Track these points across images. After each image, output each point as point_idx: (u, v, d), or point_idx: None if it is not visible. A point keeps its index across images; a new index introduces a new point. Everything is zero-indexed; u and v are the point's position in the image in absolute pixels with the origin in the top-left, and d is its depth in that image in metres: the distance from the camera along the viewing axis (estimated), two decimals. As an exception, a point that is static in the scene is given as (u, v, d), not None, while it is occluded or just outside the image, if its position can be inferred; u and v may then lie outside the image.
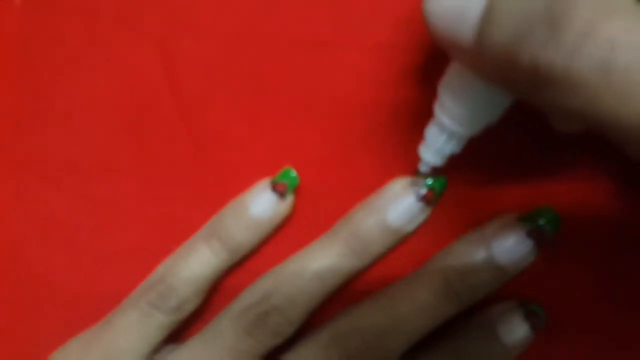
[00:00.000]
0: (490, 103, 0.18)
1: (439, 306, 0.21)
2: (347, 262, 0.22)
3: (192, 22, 0.24)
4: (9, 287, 0.25)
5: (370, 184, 0.23)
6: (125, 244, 0.24)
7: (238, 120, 0.24)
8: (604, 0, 0.12)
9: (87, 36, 0.24)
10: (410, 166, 0.22)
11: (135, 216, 0.24)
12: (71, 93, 0.24)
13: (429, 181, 0.22)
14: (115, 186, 0.24)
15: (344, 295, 0.23)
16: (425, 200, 0.22)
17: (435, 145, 0.20)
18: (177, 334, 0.23)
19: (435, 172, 0.21)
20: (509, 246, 0.21)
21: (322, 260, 0.22)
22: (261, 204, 0.22)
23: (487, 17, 0.14)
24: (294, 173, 0.23)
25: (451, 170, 0.21)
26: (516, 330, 0.21)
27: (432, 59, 0.22)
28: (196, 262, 0.22)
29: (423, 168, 0.21)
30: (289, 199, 0.23)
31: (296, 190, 0.23)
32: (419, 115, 0.22)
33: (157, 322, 0.22)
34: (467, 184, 0.23)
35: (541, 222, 0.21)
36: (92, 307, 0.24)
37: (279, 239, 0.24)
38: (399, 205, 0.22)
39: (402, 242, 0.23)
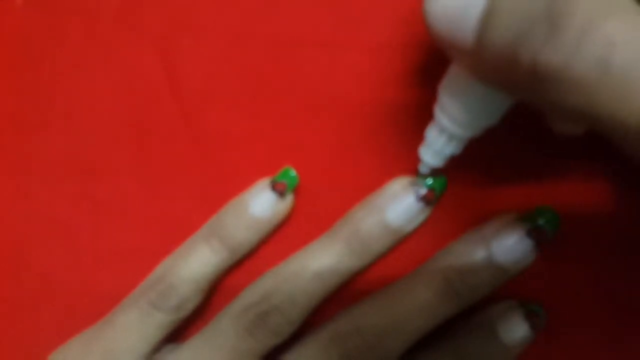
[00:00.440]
0: (490, 105, 0.18)
1: (439, 306, 0.21)
2: (347, 262, 0.22)
3: (192, 22, 0.24)
4: (9, 287, 0.25)
5: (370, 184, 0.23)
6: (125, 244, 0.24)
7: (238, 120, 0.24)
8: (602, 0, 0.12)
9: (87, 36, 0.24)
10: (410, 166, 0.22)
11: (135, 216, 0.24)
12: (71, 93, 0.24)
13: (429, 181, 0.22)
14: (115, 186, 0.24)
15: (344, 295, 0.23)
16: (425, 200, 0.22)
17: (435, 147, 0.20)
18: (177, 334, 0.23)
19: (435, 172, 0.21)
20: (509, 246, 0.21)
21: (322, 259, 0.22)
22: (261, 204, 0.22)
23: (488, 18, 0.14)
24: (293, 172, 0.23)
25: (451, 170, 0.21)
26: (516, 330, 0.21)
27: (432, 59, 0.22)
28: (196, 261, 0.22)
29: (423, 169, 0.21)
30: (289, 199, 0.23)
31: (296, 190, 0.23)
32: (419, 115, 0.22)
33: (157, 322, 0.22)
34: (467, 184, 0.23)
35: (541, 221, 0.21)
36: (92, 307, 0.24)
37: (279, 239, 0.24)
38: (398, 205, 0.22)
39: (402, 242, 0.23)
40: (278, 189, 0.22)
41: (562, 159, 0.22)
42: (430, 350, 0.22)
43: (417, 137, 0.21)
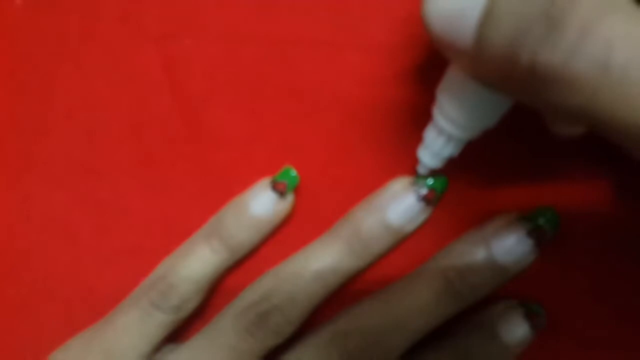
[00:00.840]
0: (489, 107, 0.18)
1: (440, 305, 0.21)
2: (348, 262, 0.22)
3: (193, 22, 0.24)
4: (9, 287, 0.25)
5: (370, 184, 0.23)
6: (125, 244, 0.24)
7: (238, 120, 0.24)
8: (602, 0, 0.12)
9: (87, 36, 0.24)
10: (410, 166, 0.22)
11: (135, 216, 0.24)
12: (71, 93, 0.24)
13: (430, 181, 0.22)
14: (115, 186, 0.24)
15: (344, 295, 0.23)
16: (426, 200, 0.22)
17: (434, 148, 0.20)
18: (177, 334, 0.23)
19: (434, 173, 0.21)
20: (509, 245, 0.21)
21: (322, 259, 0.22)
22: (261, 203, 0.22)
23: (486, 19, 0.14)
24: (294, 172, 0.23)
25: (451, 170, 0.21)
26: (516, 329, 0.21)
27: (432, 59, 0.22)
28: (197, 261, 0.22)
29: (421, 170, 0.21)
30: (289, 198, 0.23)
31: (296, 190, 0.23)
32: (419, 115, 0.22)
33: (158, 321, 0.22)
34: (468, 184, 0.23)
35: (541, 221, 0.21)
36: (92, 307, 0.24)
37: (279, 239, 0.24)
38: (399, 205, 0.22)
39: (402, 242, 0.23)
40: (278, 189, 0.22)
41: (563, 159, 0.22)
42: (430, 350, 0.22)
43: (417, 136, 0.21)
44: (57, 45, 0.24)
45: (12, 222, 0.25)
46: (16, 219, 0.25)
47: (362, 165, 0.23)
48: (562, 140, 0.19)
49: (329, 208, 0.23)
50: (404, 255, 0.23)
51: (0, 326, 0.25)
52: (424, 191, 0.22)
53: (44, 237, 0.25)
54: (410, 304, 0.21)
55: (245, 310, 0.22)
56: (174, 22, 0.24)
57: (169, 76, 0.24)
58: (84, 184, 0.24)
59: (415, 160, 0.21)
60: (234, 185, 0.23)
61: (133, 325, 0.22)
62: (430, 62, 0.22)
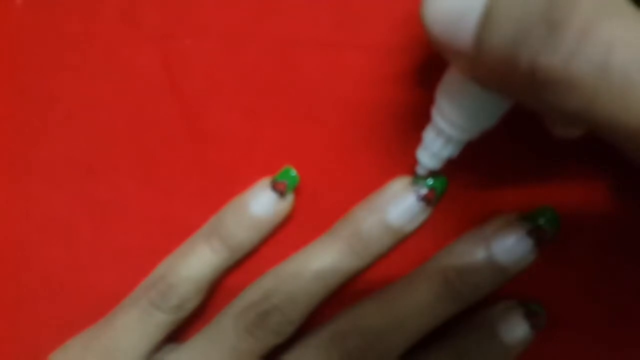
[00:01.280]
0: (488, 108, 0.18)
1: (439, 305, 0.21)
2: (348, 262, 0.22)
3: (193, 22, 0.24)
4: (9, 287, 0.25)
5: (370, 184, 0.23)
6: (125, 244, 0.24)
7: (238, 120, 0.24)
8: (602, 2, 0.12)
9: (87, 36, 0.24)
10: (410, 166, 0.22)
11: (135, 216, 0.24)
12: (71, 93, 0.24)
13: (430, 181, 0.22)
14: (115, 186, 0.24)
15: (344, 295, 0.23)
16: (426, 200, 0.22)
17: (433, 149, 0.20)
18: (177, 334, 0.23)
19: (433, 173, 0.21)
20: (509, 245, 0.21)
21: (322, 259, 0.22)
22: (261, 203, 0.22)
23: (486, 20, 0.14)
24: (294, 172, 0.23)
25: (451, 170, 0.21)
26: (516, 329, 0.21)
27: (432, 59, 0.22)
28: (197, 261, 0.22)
29: (420, 171, 0.21)
30: (289, 198, 0.23)
31: (296, 190, 0.23)
32: (419, 115, 0.22)
33: (158, 321, 0.22)
34: (468, 184, 0.23)
35: (541, 221, 0.21)
36: (92, 307, 0.24)
37: (279, 239, 0.24)
38: (399, 204, 0.22)
39: (402, 242, 0.23)
40: (278, 189, 0.22)
41: (562, 159, 0.22)
42: (430, 350, 0.22)
43: (417, 137, 0.21)
44: (57, 45, 0.24)
45: (12, 221, 0.25)
46: (16, 218, 0.25)
47: (362, 165, 0.23)
48: (562, 141, 0.19)
49: (329, 208, 0.23)
50: (404, 255, 0.23)
51: (0, 326, 0.25)
52: (423, 191, 0.22)
53: (44, 237, 0.25)
54: (410, 304, 0.21)
55: (246, 310, 0.22)
56: (174, 22, 0.24)
57: (169, 76, 0.24)
58: (84, 184, 0.24)
59: (415, 159, 0.21)
60: (234, 185, 0.23)
61: (133, 325, 0.22)
62: (430, 62, 0.22)
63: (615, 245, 0.22)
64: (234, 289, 0.23)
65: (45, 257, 0.25)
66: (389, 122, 0.23)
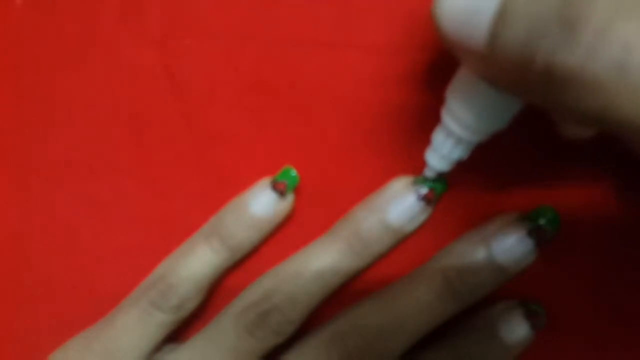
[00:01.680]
0: (500, 109, 0.18)
1: (440, 305, 0.21)
2: (348, 262, 0.22)
3: (193, 21, 0.24)
4: (9, 287, 0.25)
5: (370, 184, 0.23)
6: (125, 244, 0.24)
7: (238, 120, 0.24)
8: (619, 0, 0.12)
9: (87, 36, 0.24)
10: (411, 166, 0.22)
11: (135, 216, 0.24)
12: (71, 93, 0.24)
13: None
14: (115, 186, 0.24)
15: (344, 295, 0.23)
16: (426, 200, 0.22)
17: (442, 151, 0.20)
18: (177, 334, 0.23)
19: (441, 176, 0.21)
20: (509, 245, 0.21)
21: (322, 259, 0.22)
22: (261, 203, 0.22)
23: (500, 19, 0.13)
24: (294, 172, 0.23)
25: (451, 170, 0.21)
26: (517, 329, 0.21)
27: (432, 59, 0.22)
28: (197, 260, 0.22)
29: (429, 173, 0.21)
30: (289, 198, 0.23)
31: (296, 190, 0.23)
32: (419, 115, 0.22)
33: (158, 321, 0.22)
34: (467, 184, 0.23)
35: (541, 221, 0.21)
36: (92, 307, 0.24)
37: (279, 239, 0.24)
38: (399, 204, 0.22)
39: (402, 242, 0.23)
40: (278, 189, 0.22)
41: (563, 159, 0.22)
42: (430, 350, 0.22)
43: (417, 136, 0.21)
44: (57, 45, 0.24)
45: (12, 221, 0.25)
46: (16, 218, 0.25)
47: (362, 165, 0.23)
48: (571, 142, 0.19)
49: (329, 208, 0.23)
50: (404, 255, 0.23)
51: (0, 326, 0.25)
52: (424, 191, 0.22)
53: (44, 237, 0.25)
54: (411, 304, 0.21)
55: (246, 310, 0.22)
56: (174, 22, 0.24)
57: (169, 76, 0.24)
58: (84, 183, 0.24)
59: (415, 160, 0.21)
60: (234, 185, 0.23)
61: (133, 325, 0.22)
62: (430, 63, 0.22)
63: (616, 245, 0.22)
64: (234, 289, 0.23)
65: (45, 257, 0.25)
66: (389, 122, 0.23)
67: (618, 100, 0.12)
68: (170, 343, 0.23)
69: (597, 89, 0.12)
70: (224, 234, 0.22)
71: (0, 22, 0.25)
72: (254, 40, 0.23)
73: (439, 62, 0.21)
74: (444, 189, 0.22)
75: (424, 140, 0.20)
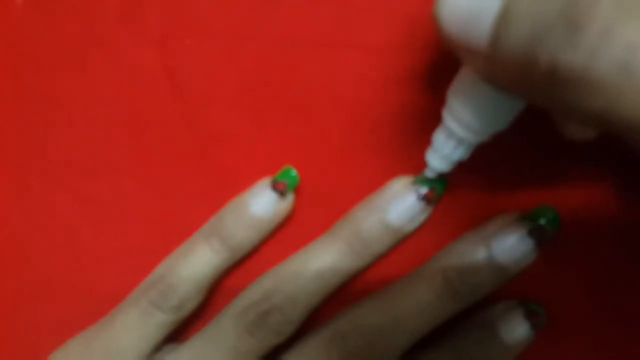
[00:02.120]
0: (502, 110, 0.18)
1: (440, 305, 0.21)
2: (348, 261, 0.22)
3: (193, 21, 0.24)
4: (9, 287, 0.25)
5: (370, 184, 0.23)
6: (125, 244, 0.24)
7: (238, 120, 0.24)
8: (624, 0, 0.12)
9: (87, 36, 0.24)
10: (410, 165, 0.22)
11: (135, 216, 0.24)
12: (71, 93, 0.24)
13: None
14: (115, 186, 0.24)
15: (344, 295, 0.23)
16: (426, 199, 0.22)
17: (443, 152, 0.19)
18: (177, 334, 0.23)
19: (442, 177, 0.21)
20: (509, 245, 0.21)
21: (322, 259, 0.22)
22: (261, 203, 0.22)
23: (503, 19, 0.13)
24: (294, 172, 0.23)
25: (451, 170, 0.21)
26: (517, 329, 0.21)
27: (433, 59, 0.22)
28: (197, 261, 0.22)
29: (429, 174, 0.21)
30: (290, 198, 0.23)
31: (296, 190, 0.23)
32: (419, 115, 0.22)
33: (158, 321, 0.22)
34: (468, 184, 0.23)
35: (542, 221, 0.21)
36: (92, 307, 0.24)
37: (279, 239, 0.24)
38: (399, 204, 0.22)
39: (402, 242, 0.23)
40: (279, 189, 0.22)
41: (563, 159, 0.22)
42: (430, 350, 0.22)
43: (418, 136, 0.21)
44: (57, 45, 0.24)
45: (12, 221, 0.25)
46: (16, 218, 0.25)
47: (362, 165, 0.23)
48: (572, 143, 0.19)
49: (329, 208, 0.23)
50: (404, 255, 0.23)
51: (0, 326, 0.25)
52: (424, 191, 0.22)
53: (44, 237, 0.25)
54: (411, 304, 0.21)
55: (246, 310, 0.22)
56: (174, 22, 0.24)
57: (169, 76, 0.24)
58: (84, 183, 0.24)
59: (415, 160, 0.21)
60: (234, 185, 0.23)
61: (133, 325, 0.22)
62: (430, 63, 0.22)
63: (616, 245, 0.22)
64: (234, 289, 0.23)
65: (45, 257, 0.25)
66: (389, 122, 0.23)
67: (622, 100, 0.12)
68: (170, 343, 0.23)
69: (600, 89, 0.12)
70: (224, 234, 0.22)
71: (0, 22, 0.25)
72: (254, 40, 0.23)
73: (440, 63, 0.21)
74: (444, 189, 0.22)
75: (424, 140, 0.20)
